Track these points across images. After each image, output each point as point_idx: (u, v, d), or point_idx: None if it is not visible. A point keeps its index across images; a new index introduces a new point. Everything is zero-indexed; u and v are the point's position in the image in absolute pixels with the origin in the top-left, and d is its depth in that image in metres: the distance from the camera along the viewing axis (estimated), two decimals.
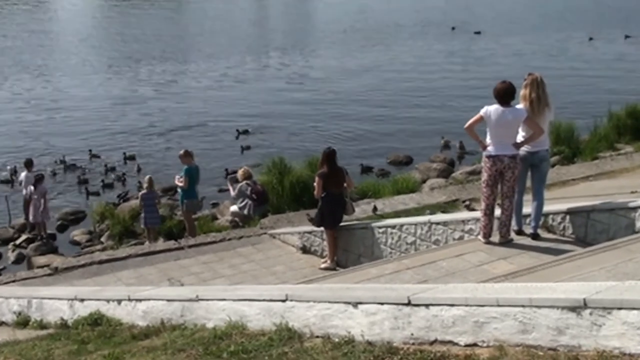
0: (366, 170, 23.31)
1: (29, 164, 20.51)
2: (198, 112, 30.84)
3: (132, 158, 25.31)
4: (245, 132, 27.43)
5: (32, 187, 19.02)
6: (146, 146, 26.81)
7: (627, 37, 46.67)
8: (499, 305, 5.57)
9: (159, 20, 55.21)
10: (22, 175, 20.07)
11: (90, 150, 25.69)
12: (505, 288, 6.13)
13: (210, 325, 7.78)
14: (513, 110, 10.07)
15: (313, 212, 15.61)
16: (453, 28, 49.43)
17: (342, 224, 13.45)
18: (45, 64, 41.08)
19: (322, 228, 13.54)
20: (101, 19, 57.00)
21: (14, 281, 13.97)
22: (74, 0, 67.01)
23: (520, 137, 10.23)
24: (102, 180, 23.10)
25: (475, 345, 5.67)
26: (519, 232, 10.63)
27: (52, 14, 58.91)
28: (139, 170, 23.77)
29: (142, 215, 18.00)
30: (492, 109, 10.08)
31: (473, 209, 15.06)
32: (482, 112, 10.16)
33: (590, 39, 45.37)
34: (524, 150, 10.29)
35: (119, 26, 52.79)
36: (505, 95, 10.09)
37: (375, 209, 15.09)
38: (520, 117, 10.06)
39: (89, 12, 61.56)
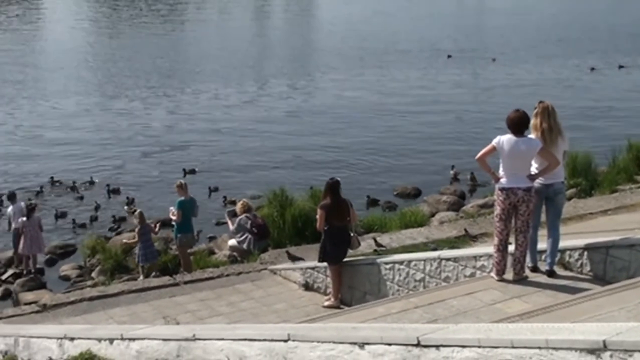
0: (372, 203, 23.23)
1: (12, 197, 20.60)
2: (193, 141, 30.83)
3: (117, 192, 25.14)
4: (192, 171, 26.75)
5: (24, 218, 19.06)
6: (136, 176, 26.71)
7: (620, 67, 45.70)
8: (513, 347, 5.56)
9: (153, 43, 55.37)
10: (10, 209, 20.07)
11: (74, 182, 25.54)
12: (520, 329, 6.11)
13: None
14: (527, 141, 10.06)
15: (293, 250, 15.73)
16: (449, 56, 48.97)
17: (346, 259, 13.42)
18: (28, 88, 40.97)
19: (325, 263, 13.51)
20: (94, 41, 57.20)
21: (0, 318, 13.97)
22: (66, 18, 67.31)
23: (533, 169, 10.23)
24: (91, 216, 23.01)
25: None
26: (534, 269, 10.59)
27: (42, 34, 59.19)
28: (130, 202, 23.69)
29: (138, 252, 17.91)
30: (505, 139, 10.07)
31: (474, 237, 15.20)
32: (494, 142, 10.15)
33: (592, 69, 44.95)
34: (538, 182, 10.26)
35: (111, 49, 52.91)
36: (518, 124, 10.08)
37: (375, 242, 15.06)
38: (535, 147, 10.04)
39: (81, 32, 61.79)
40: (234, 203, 22.00)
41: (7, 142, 30.84)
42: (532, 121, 10.28)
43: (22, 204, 20.16)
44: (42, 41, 56.62)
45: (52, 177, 25.99)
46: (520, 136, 10.05)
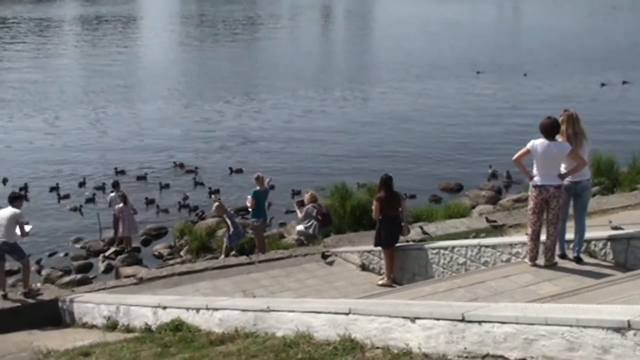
0: (410, 197, 22.91)
1: (116, 185, 20.86)
2: (264, 141, 30.83)
3: (202, 184, 25.16)
4: (239, 170, 26.24)
5: (121, 205, 19.36)
6: (217, 170, 26.77)
7: (624, 82, 43.30)
8: (547, 324, 5.49)
9: (229, 58, 55.72)
10: (111, 195, 20.38)
11: (161, 183, 25.35)
12: (553, 308, 6.04)
13: (280, 334, 7.80)
14: (558, 144, 9.96)
15: (352, 235, 15.71)
16: (478, 72, 47.84)
17: (398, 244, 13.38)
18: (126, 94, 41.40)
19: (379, 248, 13.49)
20: (181, 56, 57.80)
21: (103, 289, 14.17)
22: (159, 36, 68.19)
23: (562, 169, 10.11)
24: (179, 202, 23.17)
25: None
26: (563, 256, 10.46)
27: (137, 50, 60.04)
28: (215, 192, 23.87)
29: (228, 233, 17.85)
30: (539, 142, 9.98)
31: (494, 221, 15.11)
32: (529, 145, 10.07)
33: (602, 84, 43.33)
34: (567, 180, 10.16)
35: (194, 63, 53.33)
36: (550, 130, 10.00)
37: (422, 230, 14.97)
38: (565, 150, 9.95)
39: (171, 48, 62.57)
40: (299, 193, 22.13)
41: (110, 139, 31.23)
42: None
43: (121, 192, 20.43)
44: (137, 56, 57.31)
45: (118, 170, 26.20)
46: (552, 140, 9.95)
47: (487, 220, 15.32)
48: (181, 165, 26.96)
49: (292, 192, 23.44)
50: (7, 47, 58.37)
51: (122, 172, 25.96)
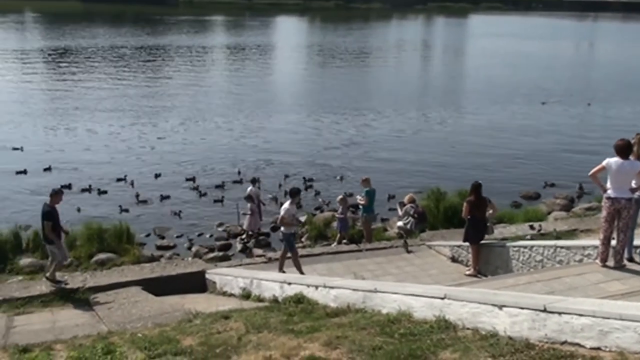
0: (503, 201, 22.31)
1: (254, 181, 21.06)
2: (372, 150, 30.63)
3: (311, 186, 24.52)
4: (346, 174, 26.04)
5: (256, 202, 19.61)
6: (327, 172, 26.73)
7: None
8: (621, 319, 5.23)
9: (348, 78, 55.80)
10: (250, 189, 20.48)
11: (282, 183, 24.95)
12: (627, 305, 5.74)
13: (384, 311, 7.76)
14: (630, 163, 9.56)
15: (444, 232, 15.35)
16: (543, 103, 45.71)
17: (483, 241, 13.08)
18: (259, 106, 41.54)
19: (467, 243, 13.23)
20: (305, 74, 58.45)
21: (240, 265, 14.51)
22: (287, 61, 69.00)
23: (633, 184, 9.67)
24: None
25: (599, 349, 5.36)
26: (630, 260, 10.00)
27: (269, 73, 60.90)
28: (317, 192, 23.73)
29: (341, 224, 17.95)
30: (613, 160, 9.60)
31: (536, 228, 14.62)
32: (604, 163, 9.69)
33: None
34: (637, 194, 9.74)
35: (316, 81, 53.77)
36: (623, 149, 9.61)
37: (531, 227, 14.63)
38: (636, 168, 9.58)
39: (296, 68, 63.27)
40: (394, 197, 21.87)
41: (248, 145, 31.62)
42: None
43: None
44: (268, 77, 57.97)
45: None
46: (625, 159, 9.53)
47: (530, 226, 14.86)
48: (291, 174, 26.51)
49: (387, 195, 22.97)
50: (166, 69, 60.37)
51: (239, 172, 25.94)
